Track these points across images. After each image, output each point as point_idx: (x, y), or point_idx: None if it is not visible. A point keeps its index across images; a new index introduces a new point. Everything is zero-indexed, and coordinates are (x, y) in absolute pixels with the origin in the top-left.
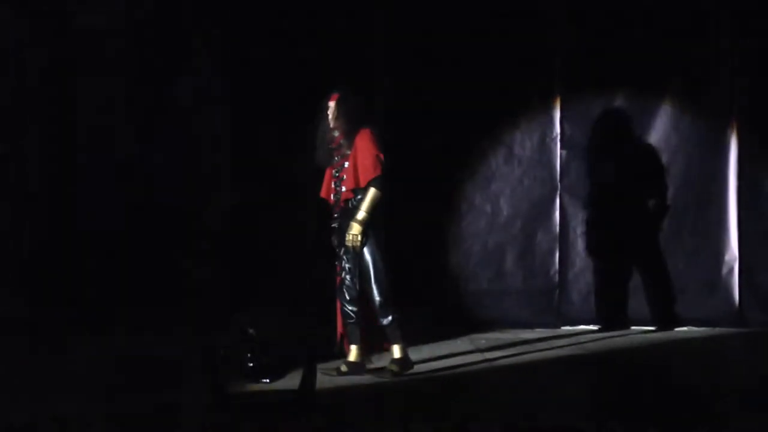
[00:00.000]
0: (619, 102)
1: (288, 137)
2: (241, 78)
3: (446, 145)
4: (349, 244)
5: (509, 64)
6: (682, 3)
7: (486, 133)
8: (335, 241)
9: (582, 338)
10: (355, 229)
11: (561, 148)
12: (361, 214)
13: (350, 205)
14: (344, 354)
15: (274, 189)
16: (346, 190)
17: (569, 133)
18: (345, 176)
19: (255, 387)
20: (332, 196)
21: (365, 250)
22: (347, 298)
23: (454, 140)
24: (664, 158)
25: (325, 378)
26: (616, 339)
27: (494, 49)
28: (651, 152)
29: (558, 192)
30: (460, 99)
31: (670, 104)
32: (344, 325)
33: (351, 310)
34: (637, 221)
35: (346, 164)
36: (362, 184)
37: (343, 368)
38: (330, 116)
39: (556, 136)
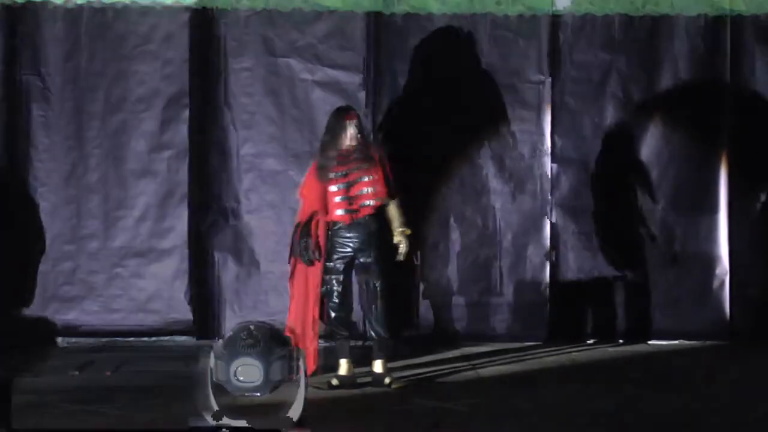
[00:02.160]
0: (609, 115)
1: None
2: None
3: (436, 157)
4: (402, 255)
5: (500, 75)
6: (673, 17)
7: (476, 145)
8: (315, 255)
9: (572, 352)
10: (407, 237)
11: (552, 161)
12: (403, 225)
13: (366, 217)
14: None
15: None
16: (375, 203)
17: (560, 146)
18: (371, 189)
19: (244, 401)
20: (339, 211)
21: (382, 264)
22: (345, 312)
23: (444, 152)
24: (655, 172)
25: (317, 392)
26: (608, 352)
27: (485, 60)
28: (642, 165)
29: (549, 205)
30: (449, 111)
31: (662, 118)
32: (335, 339)
33: (348, 324)
34: (627, 234)
35: (367, 178)
36: (392, 196)
37: (335, 382)
38: (354, 133)
39: (547, 149)
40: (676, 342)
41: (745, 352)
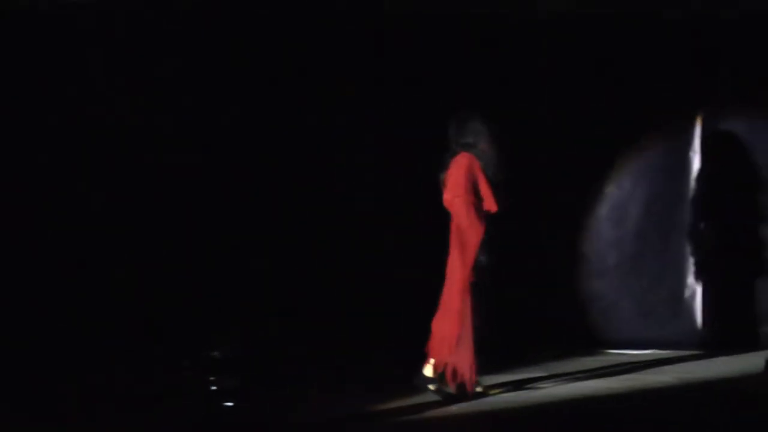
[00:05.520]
0: (584, 125)
1: None
2: None
3: None
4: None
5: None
6: (646, 41)
7: None
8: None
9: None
10: None
11: None
12: None
13: None
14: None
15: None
16: None
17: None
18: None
19: (217, 410)
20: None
21: None
22: None
23: None
24: (629, 182)
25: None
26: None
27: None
28: (615, 175)
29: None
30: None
31: (635, 130)
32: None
33: None
34: (601, 244)
35: None
36: None
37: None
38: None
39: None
40: (649, 351)
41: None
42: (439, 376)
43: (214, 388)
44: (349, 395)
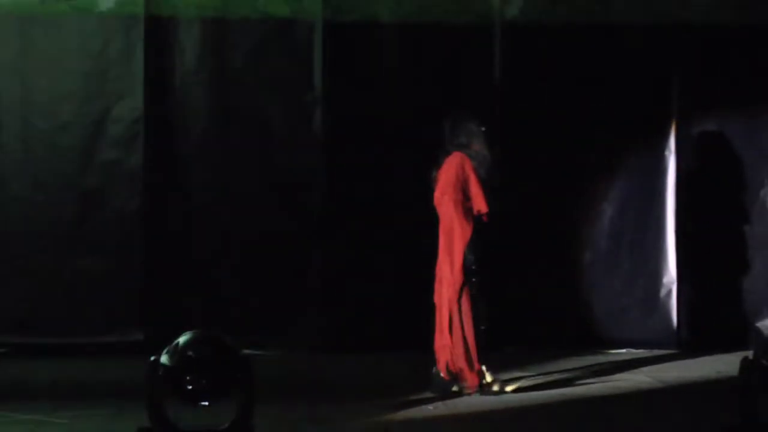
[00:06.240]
0: (557, 122)
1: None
2: None
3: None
4: None
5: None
6: (621, 43)
7: None
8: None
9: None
10: None
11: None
12: None
13: None
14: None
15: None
16: None
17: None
18: None
19: (193, 410)
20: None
21: None
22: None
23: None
24: (603, 180)
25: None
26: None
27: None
28: (589, 174)
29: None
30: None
31: (609, 127)
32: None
33: None
34: (575, 242)
35: None
36: None
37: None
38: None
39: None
40: (623, 350)
41: None
42: (450, 376)
43: (190, 387)
44: (332, 395)
